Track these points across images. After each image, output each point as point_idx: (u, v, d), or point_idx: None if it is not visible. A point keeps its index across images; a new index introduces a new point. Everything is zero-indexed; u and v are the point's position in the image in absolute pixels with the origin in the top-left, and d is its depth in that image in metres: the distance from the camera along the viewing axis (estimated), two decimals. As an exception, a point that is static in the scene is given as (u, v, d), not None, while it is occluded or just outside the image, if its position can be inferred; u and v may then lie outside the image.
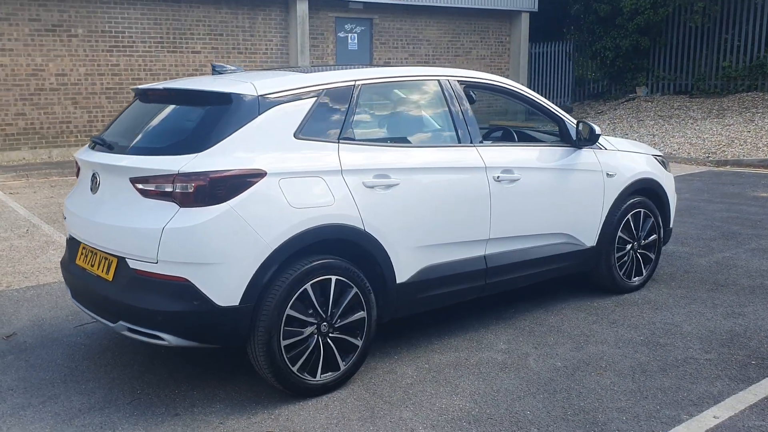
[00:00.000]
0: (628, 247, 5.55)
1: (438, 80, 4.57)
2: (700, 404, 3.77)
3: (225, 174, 3.55)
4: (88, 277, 4.00)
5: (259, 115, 3.77)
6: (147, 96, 4.24)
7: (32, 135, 13.20)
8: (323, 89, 4.03)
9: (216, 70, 4.44)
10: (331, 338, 3.90)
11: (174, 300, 3.55)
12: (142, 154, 3.74)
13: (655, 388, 3.96)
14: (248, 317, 3.62)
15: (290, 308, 3.71)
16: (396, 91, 4.51)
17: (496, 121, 7.64)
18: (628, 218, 5.49)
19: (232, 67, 4.50)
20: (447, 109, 4.54)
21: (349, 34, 17.04)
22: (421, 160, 4.28)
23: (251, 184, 3.60)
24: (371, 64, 6.33)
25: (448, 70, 4.71)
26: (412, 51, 18.09)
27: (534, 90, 21.72)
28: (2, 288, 5.94)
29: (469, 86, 4.76)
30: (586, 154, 5.21)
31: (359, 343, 4.03)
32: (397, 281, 4.18)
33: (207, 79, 4.25)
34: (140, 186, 3.63)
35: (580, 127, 5.09)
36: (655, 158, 5.87)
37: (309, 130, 3.90)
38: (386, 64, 17.01)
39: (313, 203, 3.77)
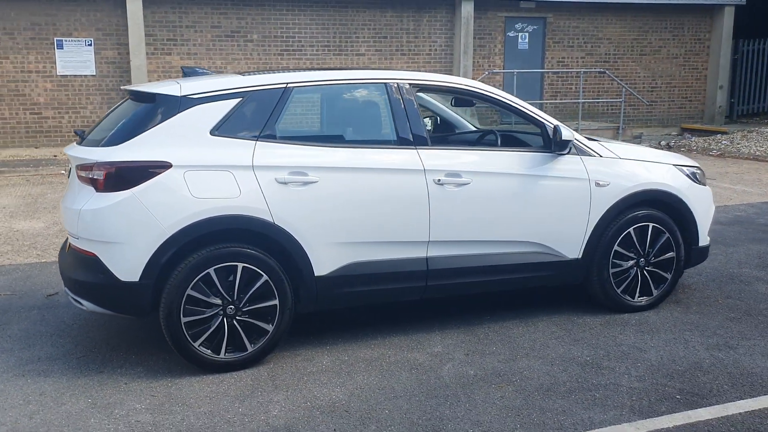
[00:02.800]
0: (630, 263, 5.13)
1: (385, 83, 4.65)
2: (564, 430, 3.53)
3: (130, 164, 4.05)
4: (62, 251, 4.73)
5: (179, 113, 4.21)
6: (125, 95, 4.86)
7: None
8: (250, 91, 4.36)
9: (185, 73, 4.94)
10: (238, 321, 4.23)
11: (87, 272, 4.13)
12: (89, 145, 4.36)
13: (538, 408, 3.77)
14: (148, 293, 4.08)
15: (191, 289, 4.11)
16: (334, 93, 4.68)
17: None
18: (629, 232, 5.09)
19: (202, 70, 4.97)
20: (389, 111, 4.61)
21: (520, 34, 16.81)
22: (345, 159, 4.42)
23: (155, 174, 4.05)
24: (339, 67, 6.26)
25: (400, 73, 4.76)
26: (590, 50, 17.34)
27: (741, 92, 19.66)
28: (85, 257, 7.02)
29: (423, 89, 4.79)
30: (569, 161, 4.93)
31: (270, 328, 4.31)
32: (316, 274, 4.38)
33: (159, 82, 4.76)
34: (79, 173, 4.25)
35: (555, 132, 4.83)
36: (680, 168, 5.34)
37: (227, 128, 4.26)
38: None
39: (217, 195, 4.12)
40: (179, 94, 4.26)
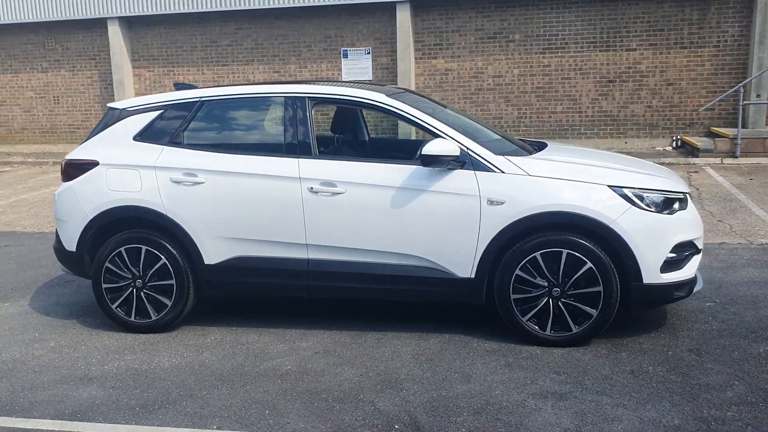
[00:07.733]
0: (537, 291, 4.65)
1: (285, 97, 5.09)
2: (253, 426, 3.76)
3: (73, 161, 5.34)
4: None
5: (118, 122, 5.34)
6: None
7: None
8: (169, 104, 5.26)
9: (177, 88, 5.95)
10: (144, 293, 5.22)
11: (56, 241, 5.55)
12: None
13: (270, 406, 4.03)
14: (81, 260, 5.32)
15: (108, 263, 5.23)
16: (239, 106, 5.24)
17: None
18: (535, 257, 4.63)
19: (193, 85, 5.91)
20: (282, 123, 5.04)
21: None
22: (229, 164, 5.02)
23: (86, 170, 5.26)
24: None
25: (306, 87, 5.13)
26: None
27: None
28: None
29: (320, 102, 5.06)
30: (458, 176, 4.71)
31: (169, 303, 5.19)
32: (206, 262, 5.12)
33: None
34: (65, 167, 5.69)
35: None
36: (617, 189, 4.58)
37: (147, 134, 5.25)
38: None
39: (125, 188, 5.16)
40: (121, 107, 5.38)
